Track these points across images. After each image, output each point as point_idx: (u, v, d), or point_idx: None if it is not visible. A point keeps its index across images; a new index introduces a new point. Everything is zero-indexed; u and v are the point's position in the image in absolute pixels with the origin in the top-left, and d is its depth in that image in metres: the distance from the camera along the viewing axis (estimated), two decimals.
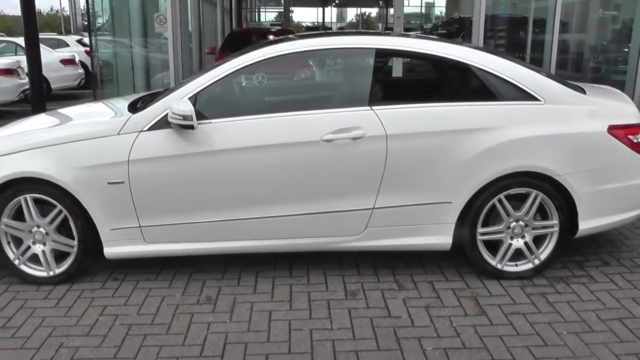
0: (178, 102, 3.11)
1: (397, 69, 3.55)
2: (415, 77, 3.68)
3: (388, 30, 23.02)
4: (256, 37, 9.82)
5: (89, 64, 14.45)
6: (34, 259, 3.41)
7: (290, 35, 3.63)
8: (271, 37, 9.56)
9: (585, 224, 3.31)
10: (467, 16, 8.24)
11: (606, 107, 3.37)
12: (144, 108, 3.37)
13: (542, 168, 3.18)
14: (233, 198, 3.23)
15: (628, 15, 7.45)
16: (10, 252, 3.40)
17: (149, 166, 3.19)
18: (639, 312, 3.02)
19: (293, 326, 2.91)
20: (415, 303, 3.13)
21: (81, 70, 13.14)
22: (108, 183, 3.22)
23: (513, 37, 7.90)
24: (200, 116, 3.15)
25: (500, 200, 3.25)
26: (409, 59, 3.60)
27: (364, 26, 44.82)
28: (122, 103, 3.95)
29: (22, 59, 11.08)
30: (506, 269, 3.34)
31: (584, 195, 3.24)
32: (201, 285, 3.36)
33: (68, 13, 31.94)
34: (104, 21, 8.16)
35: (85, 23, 42.91)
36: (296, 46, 3.33)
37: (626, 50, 7.11)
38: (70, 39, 16.57)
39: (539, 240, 3.35)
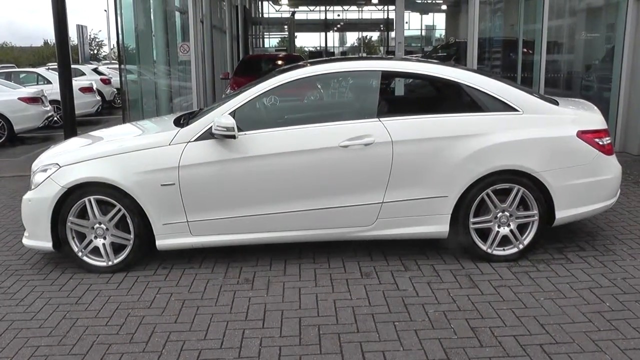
0: (221, 117, 3.78)
1: (399, 88, 4.25)
2: (414, 94, 4.35)
3: (390, 54, 24.00)
4: (265, 62, 10.57)
5: (104, 91, 15.29)
6: (95, 251, 4.03)
7: (308, 61, 4.33)
8: (279, 62, 10.35)
9: (561, 214, 3.94)
10: (462, 40, 9.00)
11: (575, 115, 4.05)
12: (187, 123, 4.05)
13: (522, 167, 3.84)
14: (266, 195, 3.88)
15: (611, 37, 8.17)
16: (75, 246, 4.03)
17: (195, 170, 3.85)
18: (606, 283, 3.64)
19: (319, 298, 3.52)
20: (419, 280, 3.74)
21: (98, 98, 13.91)
22: (161, 185, 3.87)
23: (505, 58, 8.61)
24: (237, 129, 3.82)
25: (488, 194, 3.89)
26: (409, 79, 4.28)
27: (365, 50, 45.92)
28: (165, 121, 4.64)
29: (45, 88, 11.89)
30: (495, 253, 3.97)
31: (558, 189, 3.89)
32: (239, 271, 3.98)
33: (75, 42, 32.85)
34: (129, 51, 8.92)
35: (92, 52, 44.10)
36: (316, 70, 4.03)
37: (608, 70, 7.79)
38: (87, 68, 17.42)
39: (522, 228, 3.98)
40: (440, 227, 3.94)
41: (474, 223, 3.93)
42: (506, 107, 3.95)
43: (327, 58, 4.76)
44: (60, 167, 3.98)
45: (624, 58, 7.30)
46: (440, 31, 35.53)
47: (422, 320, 3.22)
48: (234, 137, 3.73)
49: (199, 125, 3.94)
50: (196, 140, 3.90)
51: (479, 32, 6.41)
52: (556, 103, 4.14)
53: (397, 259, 4.10)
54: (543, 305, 3.36)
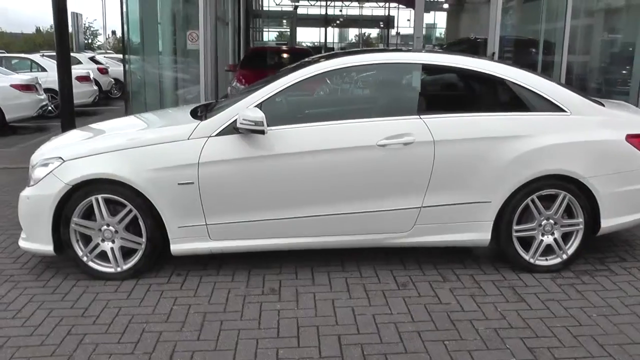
0: (247, 110, 3.43)
1: (440, 83, 3.95)
2: (455, 90, 4.06)
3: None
4: (272, 55, 10.20)
5: (101, 81, 14.69)
6: (102, 255, 3.65)
7: (336, 52, 4.00)
8: (286, 55, 9.98)
9: (606, 222, 3.69)
10: (481, 37, 8.77)
11: (623, 118, 3.80)
12: (206, 116, 3.68)
13: (569, 171, 3.57)
14: (294, 198, 3.54)
15: (630, 39, 7.99)
16: (79, 250, 3.64)
17: (217, 168, 3.49)
18: None
19: (356, 312, 3.21)
20: (460, 292, 3.45)
21: (95, 88, 13.31)
22: (178, 184, 3.50)
23: (523, 57, 8.37)
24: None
25: (533, 200, 3.62)
26: (450, 74, 3.98)
27: (364, 46, 45.34)
28: (172, 113, 4.27)
29: (39, 75, 11.28)
30: (538, 263, 3.70)
31: (605, 196, 3.63)
32: (262, 279, 3.64)
33: (70, 30, 31.83)
34: (132, 41, 8.45)
35: (87, 42, 42.55)
36: (351, 61, 3.69)
37: (626, 70, 7.64)
38: (83, 57, 16.75)
39: (565, 238, 3.72)
40: (481, 234, 3.66)
41: (517, 231, 3.66)
42: (553, 107, 3.68)
43: (356, 49, 4.42)
44: (64, 161, 3.58)
45: None
46: (440, 29, 35.30)
47: (474, 339, 2.93)
48: (263, 132, 3.38)
49: (221, 119, 3.58)
50: (218, 134, 3.54)
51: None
52: (602, 105, 3.88)
53: (433, 267, 3.80)
54: (598, 323, 3.10)
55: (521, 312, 3.22)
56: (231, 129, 3.53)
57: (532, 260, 3.69)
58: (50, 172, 3.57)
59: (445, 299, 3.37)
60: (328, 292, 3.46)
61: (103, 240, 3.64)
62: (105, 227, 3.61)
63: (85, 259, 3.64)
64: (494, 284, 3.57)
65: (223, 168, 3.50)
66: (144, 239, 3.61)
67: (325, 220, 3.57)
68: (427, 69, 3.66)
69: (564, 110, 3.67)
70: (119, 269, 3.64)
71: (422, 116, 3.59)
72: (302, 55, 10.88)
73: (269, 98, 3.60)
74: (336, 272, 3.74)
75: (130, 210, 3.56)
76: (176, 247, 3.61)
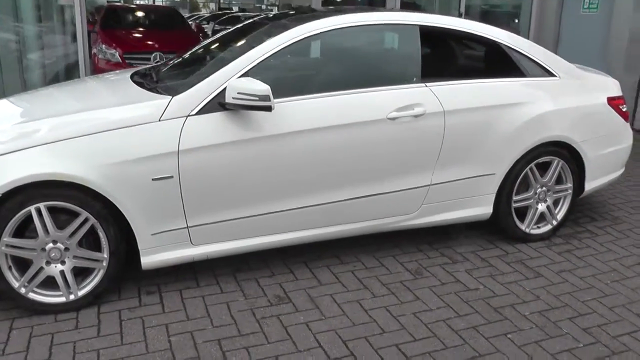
0: (243, 81, 2.72)
1: (438, 47, 3.54)
2: (457, 55, 3.71)
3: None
4: (135, 13, 8.92)
5: None
6: (46, 282, 2.74)
7: (320, 11, 3.37)
8: (155, 15, 8.85)
9: (589, 185, 3.74)
10: None
11: (601, 81, 3.82)
12: (179, 88, 2.87)
13: (565, 137, 3.50)
14: (297, 185, 2.97)
15: None
16: (13, 279, 2.68)
17: (202, 156, 2.76)
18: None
19: (393, 312, 2.81)
20: (478, 274, 3.23)
21: None
22: (153, 179, 2.71)
23: None
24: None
25: (531, 169, 3.50)
26: (446, 37, 3.61)
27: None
28: (120, 83, 3.31)
29: None
30: (532, 232, 3.63)
31: (591, 159, 3.65)
32: (257, 285, 3.04)
33: None
34: None
35: None
36: (343, 22, 3.11)
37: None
38: None
39: (555, 203, 3.69)
40: (484, 208, 3.45)
41: (516, 202, 3.52)
42: (545, 72, 3.55)
43: (337, 8, 3.77)
44: None
45: None
46: None
47: (531, 328, 2.73)
48: (269, 108, 2.71)
49: (200, 92, 2.81)
50: (198, 113, 2.79)
51: None
52: (581, 69, 3.86)
53: (430, 248, 3.52)
54: (619, 291, 3.11)
55: (547, 288, 3.10)
56: (215, 105, 2.80)
57: (527, 230, 3.61)
58: None
59: (470, 283, 3.12)
60: (345, 291, 3.00)
61: (48, 263, 2.72)
62: (50, 245, 2.68)
63: (23, 290, 2.69)
64: (502, 260, 3.41)
65: (210, 155, 2.78)
66: (105, 255, 2.77)
67: (331, 209, 3.07)
68: (426, 31, 3.25)
69: (554, 75, 3.56)
70: (72, 297, 2.76)
71: (427, 84, 3.21)
72: (169, 15, 9.78)
73: (257, 65, 2.91)
74: (335, 265, 3.27)
75: (86, 220, 2.68)
76: (148, 260, 2.83)
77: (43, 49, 6.54)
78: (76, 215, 2.67)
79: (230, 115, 2.81)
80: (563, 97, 3.52)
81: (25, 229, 2.66)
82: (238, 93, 2.70)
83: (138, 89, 3.07)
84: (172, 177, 2.74)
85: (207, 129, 2.78)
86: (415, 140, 3.14)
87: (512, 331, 2.70)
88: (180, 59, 3.65)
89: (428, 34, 3.32)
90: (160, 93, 2.93)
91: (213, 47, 3.62)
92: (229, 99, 2.73)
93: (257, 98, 2.67)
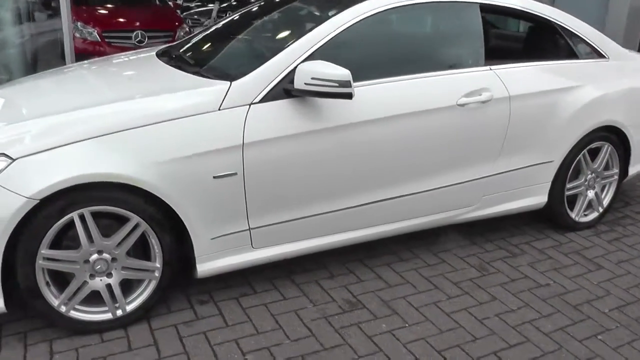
0: (318, 64, 2.39)
1: (497, 27, 3.27)
2: (515, 36, 3.48)
3: None
4: None
5: None
6: (86, 298, 2.35)
7: None
8: None
9: (632, 170, 3.65)
10: None
11: None
12: (234, 72, 2.51)
13: (615, 121, 3.38)
14: (365, 179, 2.69)
15: None
16: (52, 297, 2.28)
17: (269, 149, 2.43)
18: None
19: (476, 315, 2.61)
20: (542, 267, 3.08)
21: None
22: (214, 177, 2.36)
23: None
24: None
25: (584, 155, 3.36)
26: (502, 16, 3.36)
27: None
28: (150, 65, 2.89)
29: None
30: (580, 220, 3.52)
31: (636, 143, 3.56)
32: (320, 289, 2.76)
33: None
34: None
35: None
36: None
37: None
38: None
39: (602, 190, 3.59)
40: (539, 197, 3.29)
41: (568, 189, 3.39)
42: (595, 53, 3.40)
43: None
44: (13, 160, 2.13)
45: None
46: None
47: (616, 327, 2.59)
48: (350, 95, 2.39)
49: (261, 77, 2.46)
50: (262, 101, 2.45)
51: None
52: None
53: (485, 240, 3.34)
54: None
55: (614, 281, 2.99)
56: (279, 91, 2.47)
57: (576, 218, 3.49)
58: None
59: (538, 278, 2.97)
60: (417, 293, 2.77)
61: (92, 276, 2.33)
62: (95, 256, 2.29)
63: (64, 308, 2.30)
64: (558, 251, 3.27)
65: (277, 149, 2.45)
66: (157, 264, 2.41)
67: (398, 203, 2.82)
68: (485, 9, 3.01)
69: (604, 56, 3.42)
70: (119, 313, 2.39)
71: (492, 67, 2.98)
72: None
73: (321, 47, 2.58)
74: (395, 263, 3.03)
75: (137, 225, 2.31)
76: (204, 267, 2.49)
77: (21, 23, 5.83)
78: (123, 220, 2.30)
79: (295, 103, 2.49)
80: (614, 80, 3.39)
81: (60, 239, 2.26)
82: (312, 78, 2.37)
83: (182, 74, 2.67)
84: (235, 174, 2.40)
85: (274, 119, 2.44)
86: (482, 127, 2.92)
87: (600, 332, 2.56)
88: (208, 38, 3.25)
89: (487, 13, 3.09)
90: (210, 77, 2.56)
91: (250, 23, 3.24)
92: (299, 84, 2.40)
93: (336, 84, 2.36)
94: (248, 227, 2.52)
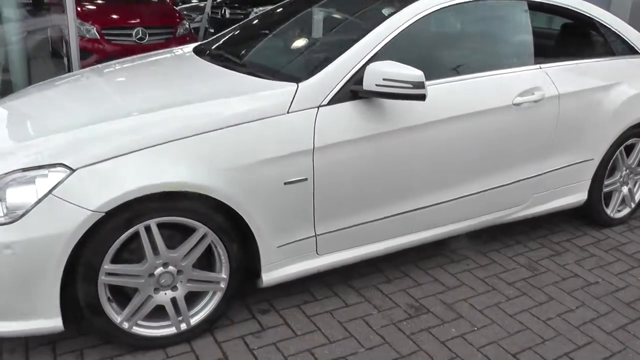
0: (389, 65, 2.30)
1: (541, 24, 3.23)
2: (560, 33, 3.44)
3: None
4: None
5: None
6: (152, 313, 2.23)
7: None
8: None
9: None
10: None
11: None
12: (297, 73, 2.41)
13: None
14: (429, 181, 2.64)
15: None
16: (114, 314, 2.15)
17: (338, 153, 2.35)
18: None
19: (538, 316, 2.59)
20: (588, 265, 3.08)
21: None
22: (285, 183, 2.26)
23: None
24: None
25: (621, 152, 3.39)
26: (545, 13, 3.32)
27: None
28: (201, 65, 2.75)
29: None
30: (615, 216, 3.54)
31: None
32: (380, 294, 2.69)
33: None
34: None
35: None
36: None
37: None
38: None
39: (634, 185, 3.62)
40: (580, 195, 3.30)
41: (606, 186, 3.41)
42: (631, 50, 3.41)
43: None
44: (72, 170, 1.98)
45: None
46: None
47: None
48: (423, 97, 2.32)
49: (329, 78, 2.37)
50: (330, 103, 2.35)
51: None
52: None
53: (528, 239, 3.33)
54: None
55: None
56: (345, 93, 2.38)
57: (611, 214, 3.52)
58: (50, 192, 1.95)
59: (587, 276, 2.96)
60: (476, 295, 2.72)
61: (157, 290, 2.20)
62: (160, 269, 2.17)
63: (127, 324, 2.17)
64: (598, 248, 3.28)
65: (346, 152, 2.36)
66: (224, 275, 2.29)
67: (458, 204, 2.77)
68: (533, 7, 2.98)
69: (638, 53, 3.44)
70: (183, 327, 2.27)
71: (541, 66, 2.96)
72: None
73: (384, 46, 2.50)
74: (447, 264, 2.98)
75: (204, 236, 2.19)
76: (270, 276, 2.39)
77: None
78: (187, 230, 2.17)
79: (362, 105, 2.40)
80: None
81: (120, 252, 2.12)
82: (385, 79, 2.29)
83: (238, 74, 2.55)
84: (306, 179, 2.30)
85: (343, 122, 2.35)
86: (534, 126, 2.90)
87: None
88: (251, 35, 3.13)
89: (537, 11, 3.06)
90: (269, 78, 2.45)
91: (294, 21, 3.13)
92: (369, 86, 2.31)
93: (410, 85, 2.28)
94: (314, 234, 2.43)
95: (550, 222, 3.56)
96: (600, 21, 3.28)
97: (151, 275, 2.16)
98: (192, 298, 2.32)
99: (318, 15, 2.98)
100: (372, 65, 2.32)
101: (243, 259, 2.32)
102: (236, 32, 3.26)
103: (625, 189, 3.53)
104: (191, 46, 3.30)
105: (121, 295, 2.20)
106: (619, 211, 3.58)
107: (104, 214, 1.98)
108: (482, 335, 2.44)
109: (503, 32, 2.93)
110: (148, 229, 2.09)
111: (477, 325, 2.51)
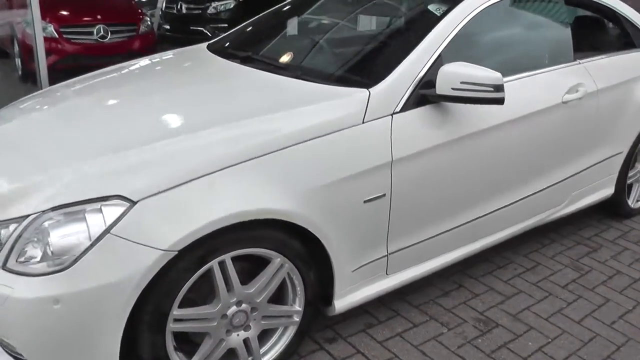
0: (463, 67, 2.12)
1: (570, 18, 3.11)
2: (591, 27, 3.33)
3: None
4: None
5: None
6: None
7: None
8: None
9: None
10: None
11: None
12: (362, 77, 2.19)
13: None
14: (493, 186, 2.51)
15: None
16: None
17: (415, 164, 2.16)
18: None
19: (602, 320, 2.52)
20: (625, 260, 3.05)
21: None
22: (364, 201, 2.04)
23: None
24: None
25: None
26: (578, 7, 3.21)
27: None
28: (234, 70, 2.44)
29: None
30: (635, 206, 3.56)
31: None
32: (442, 309, 2.53)
33: None
34: None
35: None
36: None
37: None
38: None
39: None
40: (608, 189, 3.28)
41: (629, 178, 3.42)
42: None
43: None
44: (134, 203, 1.67)
45: None
46: None
47: None
48: (502, 100, 2.15)
49: (398, 83, 2.15)
50: (402, 109, 2.14)
51: None
52: None
53: (560, 236, 3.26)
54: None
55: None
56: (415, 97, 2.17)
57: (632, 205, 3.54)
58: (108, 231, 1.63)
59: (630, 272, 2.92)
60: (536, 302, 2.62)
61: (229, 332, 1.93)
62: (234, 308, 1.90)
63: None
64: (628, 240, 3.27)
65: (422, 162, 2.17)
66: (298, 307, 2.05)
67: (514, 208, 2.66)
68: (567, 1, 2.90)
69: None
70: None
71: (580, 61, 2.88)
72: None
73: (445, 47, 2.31)
74: (495, 270, 2.86)
75: (281, 266, 1.94)
76: (342, 303, 2.17)
77: None
78: (259, 261, 1.92)
79: (432, 110, 2.21)
80: None
81: (198, 293, 1.84)
82: (462, 82, 2.10)
83: (293, 81, 2.27)
84: (384, 195, 2.09)
85: (418, 130, 2.16)
86: (578, 124, 2.83)
87: None
88: (284, 35, 2.86)
89: (572, 5, 2.97)
90: (328, 84, 2.20)
91: (335, 17, 2.88)
92: (444, 89, 2.12)
93: (491, 88, 2.11)
94: (386, 253, 2.22)
95: (574, 217, 3.52)
96: (621, 13, 3.25)
97: (224, 316, 1.89)
98: (260, 335, 2.07)
99: (365, 11, 2.75)
100: (446, 67, 2.13)
101: (317, 287, 2.09)
102: (258, 30, 2.97)
103: None
104: (198, 48, 2.97)
105: (185, 342, 1.91)
106: (637, 202, 3.60)
107: (176, 252, 1.68)
108: (558, 347, 2.34)
109: (545, 28, 2.83)
110: (221, 265, 1.82)
111: (549, 336, 2.41)
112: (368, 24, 2.78)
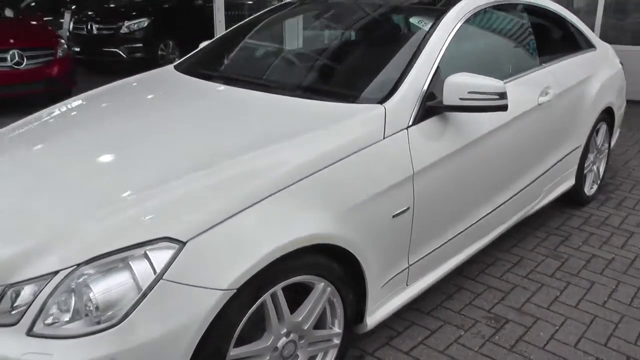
0: (467, 77, 2.20)
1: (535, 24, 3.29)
2: (547, 33, 3.48)
3: None
4: None
5: None
6: None
7: None
8: None
9: (613, 141, 4.10)
10: None
11: (611, 49, 4.14)
12: (371, 92, 2.24)
13: (612, 103, 3.76)
14: (492, 187, 2.68)
15: None
16: None
17: (432, 175, 2.23)
18: None
19: (613, 308, 2.71)
20: (594, 243, 3.32)
21: None
22: (393, 216, 2.08)
23: None
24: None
25: (593, 136, 3.69)
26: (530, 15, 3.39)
27: None
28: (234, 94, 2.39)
29: None
30: (589, 194, 3.85)
31: (617, 119, 4.00)
32: (453, 312, 2.62)
33: None
34: None
35: None
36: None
37: None
38: None
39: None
40: (570, 181, 3.54)
41: (585, 168, 3.70)
42: (589, 45, 3.73)
43: None
44: (183, 243, 1.60)
45: None
46: None
47: None
48: (505, 107, 2.26)
49: (410, 97, 2.21)
50: (414, 122, 2.20)
51: None
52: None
53: (533, 228, 3.49)
54: None
55: None
56: (424, 109, 2.24)
57: (588, 193, 3.84)
58: (160, 278, 1.55)
59: (602, 254, 3.19)
60: (532, 294, 2.78)
61: None
62: (284, 339, 1.86)
63: None
64: (591, 226, 3.56)
65: (438, 173, 2.25)
66: (338, 329, 2.05)
67: (505, 207, 2.82)
68: (529, 10, 3.11)
69: (593, 47, 3.77)
70: None
71: (544, 64, 3.10)
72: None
73: (445, 53, 2.40)
74: (485, 268, 3.01)
75: (325, 290, 1.93)
76: (373, 319, 2.19)
77: None
78: (300, 287, 1.90)
79: (439, 121, 2.30)
80: (605, 67, 3.76)
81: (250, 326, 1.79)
82: (470, 92, 2.19)
83: (304, 101, 2.25)
84: (408, 208, 2.14)
85: (431, 141, 2.23)
86: (549, 124, 3.05)
87: None
88: (279, 53, 2.83)
89: (530, 13, 3.18)
90: (338, 101, 2.22)
91: (322, 32, 2.90)
92: (451, 100, 2.21)
93: (496, 96, 2.22)
94: (408, 265, 2.27)
95: (541, 209, 3.77)
96: (567, 18, 3.53)
97: (275, 349, 1.85)
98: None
99: (352, 26, 2.78)
100: (451, 78, 2.22)
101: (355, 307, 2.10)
102: (236, 48, 2.92)
103: (595, 168, 3.87)
104: (165, 71, 2.87)
105: None
106: (591, 189, 3.91)
107: (235, 290, 1.63)
108: (567, 333, 2.50)
109: (516, 36, 3.01)
110: (273, 297, 1.78)
111: (555, 323, 2.57)
112: (359, 38, 2.83)
